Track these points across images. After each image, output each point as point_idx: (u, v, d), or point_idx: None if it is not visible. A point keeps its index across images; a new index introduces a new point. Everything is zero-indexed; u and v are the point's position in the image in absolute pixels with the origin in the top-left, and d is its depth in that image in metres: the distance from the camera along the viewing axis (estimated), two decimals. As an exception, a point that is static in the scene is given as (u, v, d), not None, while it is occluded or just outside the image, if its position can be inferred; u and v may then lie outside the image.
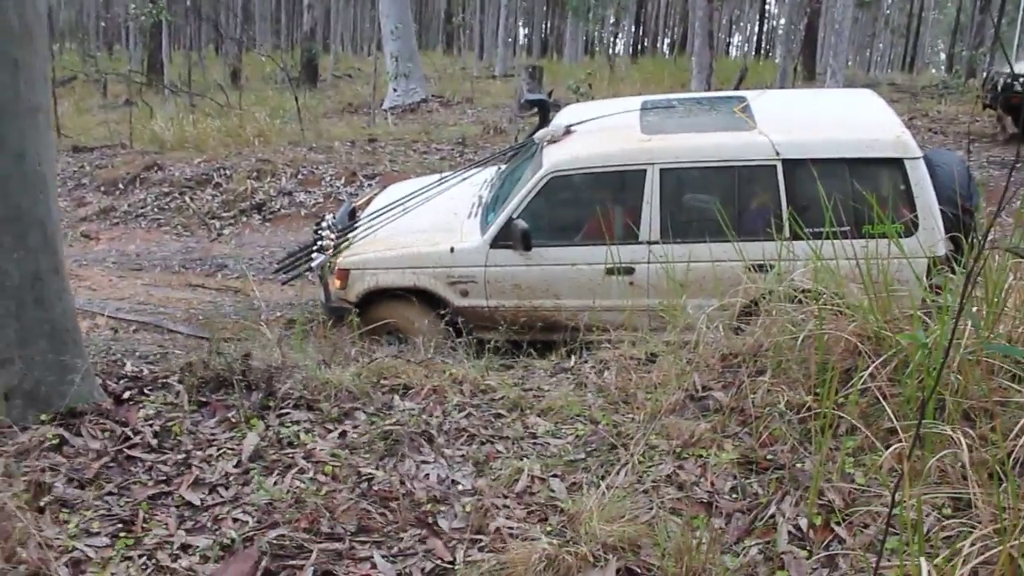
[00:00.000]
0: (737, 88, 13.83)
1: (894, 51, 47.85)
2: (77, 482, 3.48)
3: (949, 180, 5.77)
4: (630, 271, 5.85)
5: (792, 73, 19.05)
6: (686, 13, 39.61)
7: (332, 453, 3.68)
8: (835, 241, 5.11)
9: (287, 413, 4.01)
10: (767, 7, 33.79)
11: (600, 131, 6.39)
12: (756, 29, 34.34)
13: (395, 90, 16.49)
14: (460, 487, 3.47)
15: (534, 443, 3.84)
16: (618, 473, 3.51)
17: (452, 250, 6.15)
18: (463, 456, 3.71)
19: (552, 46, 39.93)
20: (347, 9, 40.84)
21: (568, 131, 6.44)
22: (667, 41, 46.80)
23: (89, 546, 3.11)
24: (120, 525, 3.24)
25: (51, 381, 3.94)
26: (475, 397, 4.25)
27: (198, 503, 3.37)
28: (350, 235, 6.67)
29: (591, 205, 6.04)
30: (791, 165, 5.59)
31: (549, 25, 38.84)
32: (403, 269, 6.24)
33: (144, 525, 3.24)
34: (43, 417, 3.84)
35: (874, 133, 5.66)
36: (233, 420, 3.95)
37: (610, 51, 37.17)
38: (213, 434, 3.86)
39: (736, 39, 50.92)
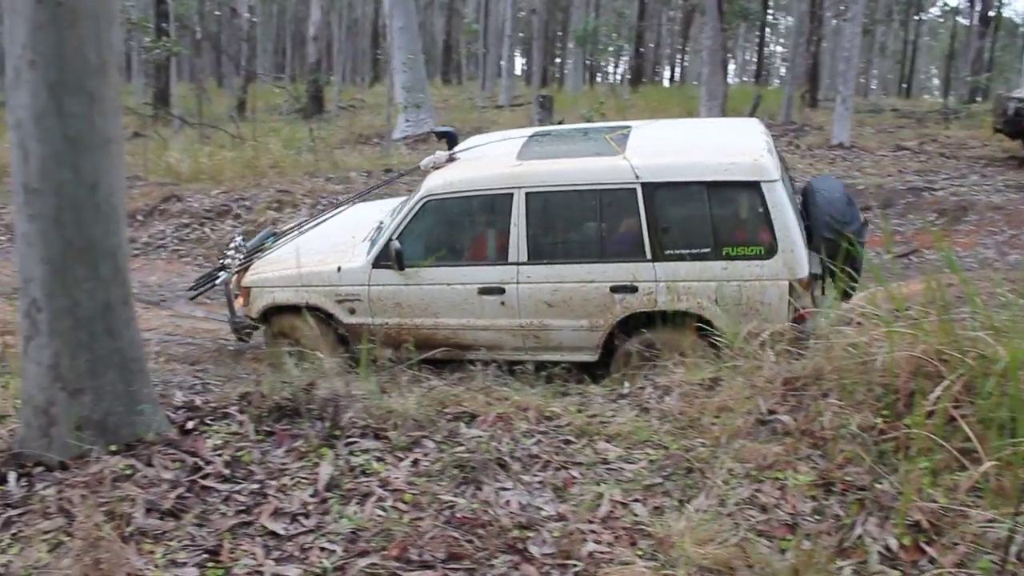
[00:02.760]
0: (752, 115, 13.93)
1: (890, 77, 48.31)
2: (156, 512, 3.48)
3: (827, 205, 5.91)
4: (501, 291, 5.99)
5: (799, 100, 19.21)
6: (685, 42, 40.00)
7: (408, 481, 3.67)
8: (696, 262, 5.58)
9: (355, 442, 4.01)
10: (765, 34, 34.13)
11: (478, 158, 6.59)
12: (756, 56, 34.60)
13: (407, 120, 16.60)
14: (544, 513, 3.46)
15: (608, 468, 3.85)
16: (700, 497, 3.51)
17: (339, 270, 6.37)
18: (541, 482, 3.70)
19: (552, 76, 40.25)
20: (348, 41, 41.14)
21: (452, 158, 6.65)
22: (667, 69, 47.31)
23: (178, 576, 3.10)
24: (206, 555, 3.24)
25: (120, 412, 3.94)
26: (540, 424, 4.25)
27: (282, 532, 3.36)
28: (255, 256, 7.00)
29: (464, 227, 6.31)
30: (651, 188, 5.67)
31: (548, 55, 39.17)
32: (297, 287, 6.46)
33: (231, 555, 3.22)
34: (112, 447, 3.84)
35: (733, 157, 5.69)
36: (302, 449, 3.94)
37: (611, 80, 37.50)
38: (284, 463, 3.85)
39: (731, 66, 51.38)
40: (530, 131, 7.40)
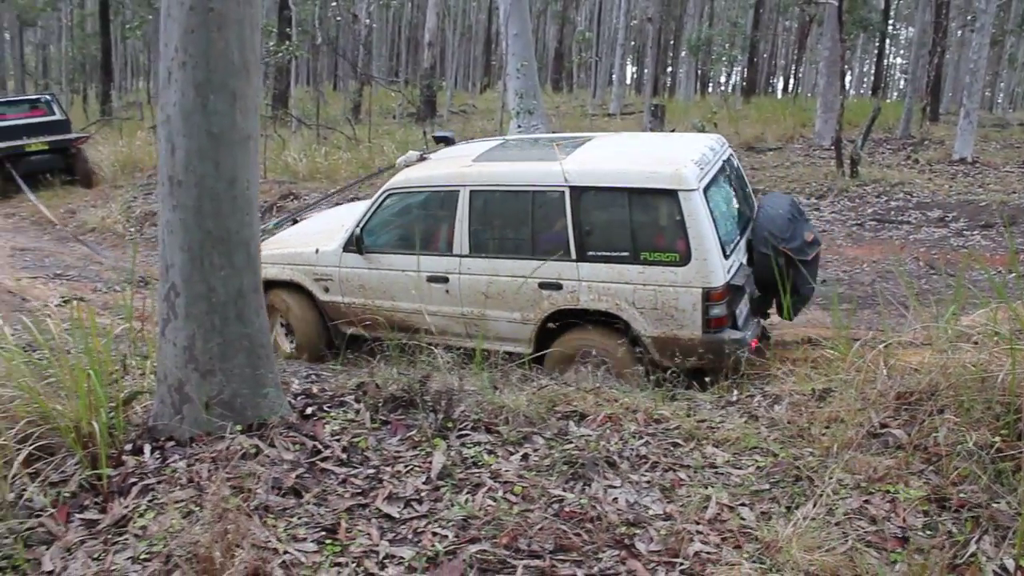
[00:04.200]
0: (869, 128, 13.62)
1: (1018, 91, 46.30)
2: (278, 490, 3.65)
3: (767, 221, 6.13)
4: (445, 280, 6.41)
5: (919, 113, 18.65)
6: (800, 52, 39.22)
7: (518, 474, 3.77)
8: (616, 265, 5.80)
9: (467, 434, 4.14)
10: (884, 46, 33.21)
11: (441, 159, 7.11)
12: (874, 68, 33.70)
13: (519, 126, 16.71)
14: (651, 511, 3.51)
15: (716, 472, 3.87)
16: (808, 505, 3.51)
17: (317, 251, 7.04)
18: (648, 482, 3.75)
19: (663, 85, 40.02)
20: (461, 47, 41.73)
21: (422, 158, 7.24)
22: (781, 80, 46.46)
23: (299, 551, 3.26)
24: (324, 532, 3.39)
25: (246, 394, 4.16)
26: (649, 426, 4.30)
27: (396, 516, 3.50)
28: (264, 235, 7.58)
29: (418, 220, 6.70)
30: (577, 192, 5.89)
31: (660, 64, 38.94)
32: (282, 265, 7.20)
33: (348, 534, 3.37)
34: (238, 427, 4.05)
35: (656, 167, 5.81)
36: (416, 439, 4.09)
37: (723, 90, 37.06)
38: (398, 451, 4.00)
39: (847, 78, 50.07)
40: (503, 138, 8.03)
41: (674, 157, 5.94)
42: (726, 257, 5.72)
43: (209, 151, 3.92)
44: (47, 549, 3.32)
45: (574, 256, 5.92)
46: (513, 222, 6.22)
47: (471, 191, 6.27)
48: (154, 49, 41.71)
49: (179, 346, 4.08)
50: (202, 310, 4.03)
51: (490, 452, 3.98)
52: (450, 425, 4.18)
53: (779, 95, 40.54)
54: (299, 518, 3.48)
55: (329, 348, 7.08)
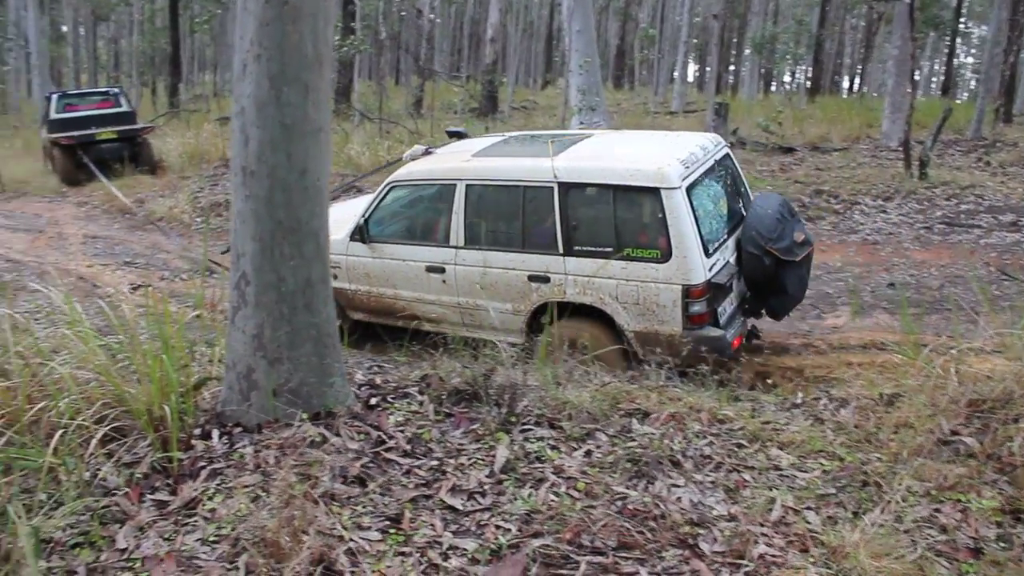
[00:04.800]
0: (939, 129, 13.31)
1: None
2: (343, 478, 3.70)
3: (755, 221, 6.15)
4: (442, 270, 6.61)
5: (991, 114, 18.18)
6: (868, 51, 38.50)
7: (581, 470, 3.77)
8: (600, 260, 5.90)
9: (530, 429, 4.14)
10: (955, 44, 32.44)
11: (444, 154, 7.31)
12: (944, 68, 32.96)
13: (581, 123, 16.67)
14: (715, 512, 3.49)
15: (780, 475, 3.83)
16: (875, 511, 3.45)
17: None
18: (712, 482, 3.73)
19: (726, 83, 39.61)
20: (522, 43, 41.75)
21: (427, 152, 7.48)
22: (847, 80, 45.64)
23: (363, 539, 3.30)
24: (388, 522, 3.43)
25: (313, 382, 4.21)
26: (713, 426, 4.27)
27: (459, 507, 3.52)
28: None
29: (418, 211, 6.93)
30: (566, 187, 6.03)
31: (723, 62, 38.54)
32: None
33: (411, 524, 3.40)
34: (304, 415, 4.10)
35: (640, 164, 5.89)
36: (479, 432, 4.11)
37: (787, 88, 36.58)
38: (461, 444, 4.02)
39: (916, 77, 49.02)
40: (507, 135, 8.15)
41: (660, 155, 6.03)
42: (708, 255, 5.78)
43: (281, 142, 3.98)
44: (120, 527, 3.40)
45: (561, 250, 6.06)
46: (506, 216, 6.38)
47: (467, 185, 6.46)
48: (220, 43, 42.45)
49: (248, 334, 4.14)
50: (271, 299, 4.09)
51: (553, 447, 3.98)
52: (513, 419, 4.19)
53: (845, 94, 39.83)
54: (364, 507, 3.52)
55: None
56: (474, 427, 4.16)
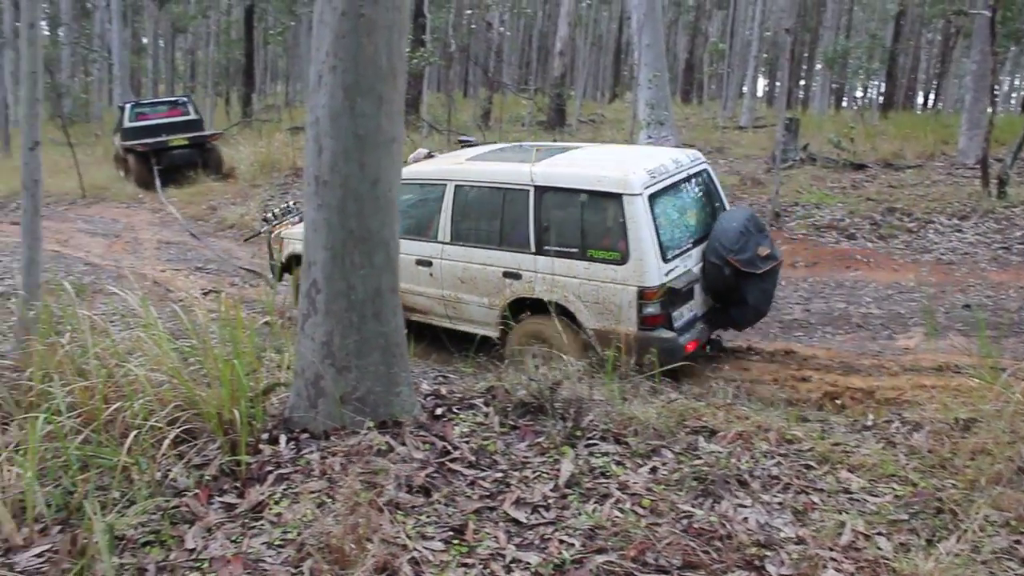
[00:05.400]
0: (1020, 147, 12.92)
1: None
2: (407, 487, 3.71)
3: (720, 233, 6.43)
4: (430, 264, 7.10)
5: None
6: (944, 66, 37.67)
7: (646, 487, 3.73)
8: (566, 259, 6.29)
9: (595, 444, 4.12)
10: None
11: (443, 157, 7.95)
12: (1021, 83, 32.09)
13: (649, 137, 16.58)
14: (782, 534, 3.42)
15: (850, 498, 3.74)
16: (950, 539, 3.35)
17: None
18: (780, 503, 3.66)
19: (796, 98, 39.08)
20: (590, 56, 41.74)
21: (429, 155, 8.26)
22: (921, 95, 44.68)
23: (427, 548, 3.30)
24: (452, 532, 3.43)
25: (379, 391, 4.25)
26: (781, 446, 4.19)
27: (523, 520, 3.51)
28: (291, 216, 9.13)
29: (413, 208, 7.28)
30: (540, 191, 6.46)
31: (794, 77, 38.05)
32: (303, 242, 7.61)
33: (475, 535, 3.40)
34: (370, 423, 4.13)
35: (608, 171, 6.29)
36: (544, 445, 4.09)
37: (859, 104, 35.90)
38: (526, 457, 4.01)
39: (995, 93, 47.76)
40: (502, 145, 8.90)
41: (628, 165, 6.40)
42: (666, 261, 6.12)
43: (354, 152, 4.03)
44: (189, 528, 3.46)
45: (533, 249, 6.48)
46: (487, 216, 6.78)
47: (456, 186, 6.95)
48: (293, 54, 43.22)
49: (317, 341, 4.20)
50: (341, 307, 4.14)
51: (618, 463, 3.95)
52: (578, 433, 4.17)
53: (919, 110, 39.00)
54: (428, 516, 3.52)
55: None
56: (539, 440, 4.15)
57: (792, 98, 34.22)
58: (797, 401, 5.17)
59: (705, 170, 7.09)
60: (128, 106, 19.52)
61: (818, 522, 3.53)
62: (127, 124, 18.70)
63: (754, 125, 23.92)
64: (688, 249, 6.44)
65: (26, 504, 3.48)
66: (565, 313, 6.25)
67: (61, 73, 31.26)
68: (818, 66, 35.69)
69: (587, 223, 6.24)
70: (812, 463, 4.05)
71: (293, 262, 8.21)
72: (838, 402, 5.79)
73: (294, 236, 8.25)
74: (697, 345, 6.36)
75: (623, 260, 6.03)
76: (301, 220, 8.39)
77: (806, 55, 41.32)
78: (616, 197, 6.07)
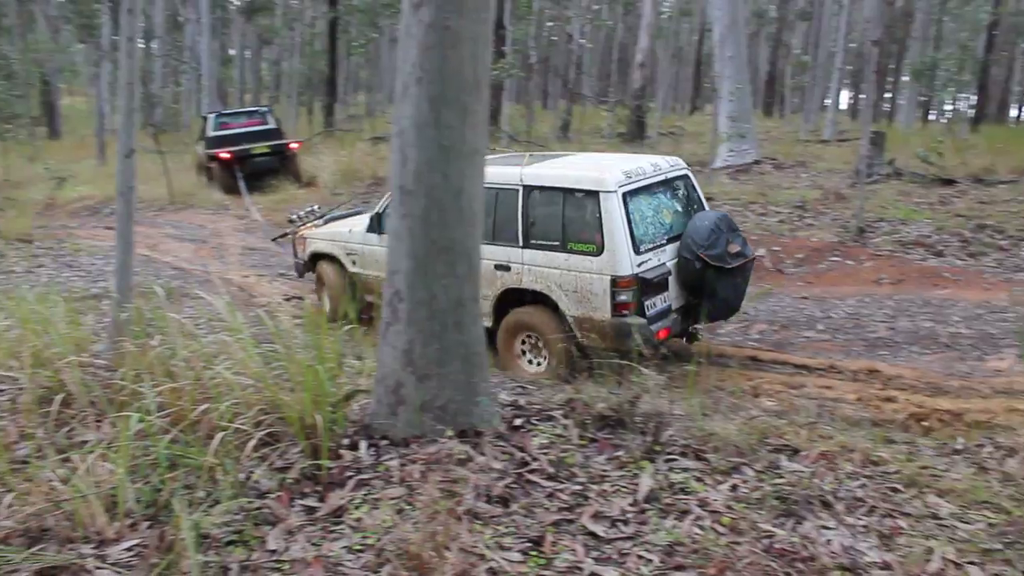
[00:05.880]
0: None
1: None
2: (486, 497, 3.72)
3: (692, 231, 7.05)
4: None
5: None
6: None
7: (726, 504, 3.67)
8: (549, 252, 6.95)
9: (675, 459, 4.08)
10: None
11: None
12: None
13: (730, 150, 16.45)
14: (867, 558, 3.33)
15: (939, 524, 3.62)
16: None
17: (350, 231, 8.74)
18: (865, 527, 3.56)
19: (882, 111, 38.20)
20: (670, 68, 41.48)
21: None
22: (1014, 108, 43.28)
23: (505, 559, 3.30)
24: (529, 544, 3.42)
25: (459, 400, 4.27)
26: (866, 467, 4.09)
27: (602, 534, 3.48)
28: (315, 218, 10.04)
29: None
30: (528, 189, 7.14)
31: (879, 89, 37.22)
32: (326, 241, 9.02)
33: (553, 548, 3.39)
34: (449, 432, 4.15)
35: (588, 172, 6.94)
36: (623, 459, 4.06)
37: (948, 117, 34.96)
38: (605, 470, 3.99)
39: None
40: (506, 154, 9.85)
41: (606, 167, 7.04)
42: (638, 253, 6.75)
43: (439, 163, 4.07)
44: (271, 529, 3.52)
45: (521, 243, 7.13)
46: (484, 213, 7.08)
47: None
48: (375, 66, 43.86)
49: (399, 349, 4.24)
50: (423, 316, 4.18)
51: (698, 479, 3.90)
52: (658, 448, 4.13)
53: (1013, 123, 37.75)
54: (506, 527, 3.53)
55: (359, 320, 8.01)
56: (618, 454, 4.12)
57: (877, 111, 33.45)
58: (881, 421, 5.04)
59: (686, 175, 7.68)
60: (212, 116, 20.34)
61: (905, 547, 3.42)
62: (211, 133, 19.49)
63: (837, 139, 23.46)
64: (663, 245, 7.06)
65: (117, 499, 3.59)
66: (548, 302, 6.97)
67: (153, 84, 32.25)
68: (905, 78, 34.81)
69: (568, 219, 6.87)
70: (899, 486, 3.93)
71: (315, 260, 9.20)
72: (925, 424, 5.63)
73: (316, 236, 9.19)
74: (669, 333, 6.98)
75: (599, 252, 6.68)
76: (324, 222, 9.72)
77: (892, 67, 40.38)
78: (594, 194, 6.72)
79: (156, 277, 10.00)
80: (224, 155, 18.63)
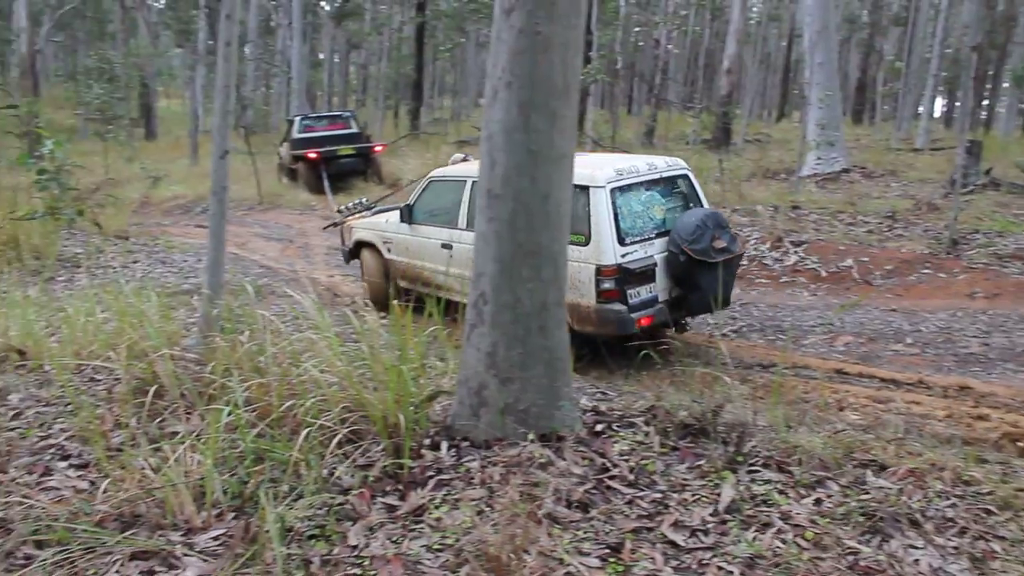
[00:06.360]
0: None
1: None
2: (565, 502, 3.72)
3: (679, 226, 7.38)
4: (451, 247, 8.39)
5: None
6: None
7: (810, 519, 3.61)
8: None
9: (757, 470, 4.02)
10: None
11: (473, 161, 9.09)
12: None
13: (819, 158, 16.14)
14: (958, 582, 3.24)
15: (1036, 549, 3.50)
16: None
17: (387, 221, 9.48)
18: (956, 548, 3.46)
19: (979, 119, 36.99)
20: (757, 75, 40.89)
21: (465, 159, 10.03)
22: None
23: (583, 564, 3.30)
24: (608, 550, 3.41)
25: (541, 404, 4.28)
26: (957, 487, 3.96)
27: (681, 544, 3.45)
28: (360, 211, 10.79)
29: (443, 200, 8.63)
30: None
31: (976, 96, 36.04)
32: (367, 230, 9.78)
33: (632, 555, 3.37)
34: (530, 436, 4.17)
35: (582, 169, 6.76)
36: (704, 468, 4.02)
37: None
38: (686, 479, 3.95)
39: None
40: None
41: (600, 165, 7.41)
42: (623, 244, 7.13)
43: (527, 167, 4.09)
44: (352, 525, 3.58)
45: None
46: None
47: (473, 182, 7.87)
48: (461, 70, 44.24)
49: (482, 351, 4.27)
50: (507, 319, 4.20)
51: (781, 492, 3.83)
52: (740, 459, 4.08)
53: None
54: (585, 532, 3.52)
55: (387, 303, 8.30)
56: (699, 463, 4.08)
57: (974, 119, 32.39)
58: (973, 440, 4.88)
59: (685, 175, 7.98)
60: (297, 119, 21.14)
61: (999, 572, 3.31)
62: (296, 135, 20.20)
63: (931, 147, 22.84)
64: (651, 238, 7.43)
65: (205, 490, 3.70)
66: None
67: (246, 86, 33.13)
68: (1005, 85, 33.69)
69: None
70: (992, 508, 3.80)
71: (359, 248, 9.94)
72: (1020, 444, 5.43)
73: (361, 226, 9.92)
74: (652, 322, 7.30)
75: (586, 242, 7.09)
76: (371, 213, 10.51)
77: (991, 73, 39.09)
78: (584, 189, 7.06)
79: (244, 275, 10.28)
80: (311, 155, 19.21)
